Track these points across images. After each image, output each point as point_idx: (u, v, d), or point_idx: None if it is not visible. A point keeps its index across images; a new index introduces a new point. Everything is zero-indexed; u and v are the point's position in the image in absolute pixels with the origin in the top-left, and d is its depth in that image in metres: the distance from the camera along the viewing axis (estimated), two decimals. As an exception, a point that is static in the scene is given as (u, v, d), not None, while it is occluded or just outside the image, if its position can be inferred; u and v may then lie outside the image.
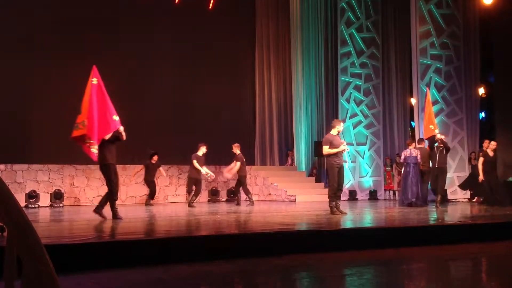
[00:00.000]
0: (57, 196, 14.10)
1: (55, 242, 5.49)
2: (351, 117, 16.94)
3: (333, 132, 9.89)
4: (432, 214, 10.01)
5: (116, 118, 9.03)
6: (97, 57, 15.39)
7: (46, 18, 15.00)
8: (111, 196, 9.10)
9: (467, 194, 15.45)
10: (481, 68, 16.82)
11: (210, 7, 17.27)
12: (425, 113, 13.60)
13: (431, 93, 15.44)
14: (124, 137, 9.16)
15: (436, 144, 12.52)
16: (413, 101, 17.29)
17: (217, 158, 15.42)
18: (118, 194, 9.69)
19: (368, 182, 17.19)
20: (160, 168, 14.41)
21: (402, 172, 13.24)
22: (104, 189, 10.07)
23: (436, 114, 15.59)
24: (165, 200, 15.80)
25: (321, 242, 6.42)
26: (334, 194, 9.67)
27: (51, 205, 13.92)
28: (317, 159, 18.03)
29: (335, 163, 9.64)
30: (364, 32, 17.30)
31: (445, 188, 14.09)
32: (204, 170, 13.19)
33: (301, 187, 16.36)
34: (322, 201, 14.02)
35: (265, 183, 16.51)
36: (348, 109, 16.96)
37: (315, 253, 6.01)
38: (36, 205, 13.66)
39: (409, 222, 8.36)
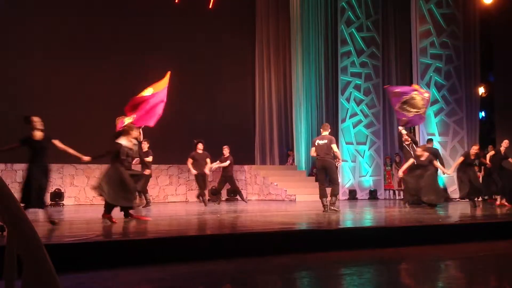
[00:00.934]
0: (57, 195, 14.10)
1: (55, 242, 5.49)
2: (351, 116, 16.95)
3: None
4: (431, 214, 10.01)
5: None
6: (96, 57, 15.46)
7: (46, 18, 15.00)
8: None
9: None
10: (481, 68, 16.81)
11: (210, 7, 17.27)
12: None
13: (430, 93, 15.46)
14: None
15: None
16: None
17: (218, 158, 15.39)
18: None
19: (368, 181, 17.19)
20: (208, 160, 13.06)
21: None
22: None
23: (436, 114, 15.60)
24: (165, 200, 15.81)
25: (321, 241, 6.43)
26: None
27: (51, 205, 13.93)
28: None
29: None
30: (364, 31, 17.30)
31: (445, 187, 14.15)
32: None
33: (301, 186, 16.36)
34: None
35: (265, 183, 16.51)
36: (348, 108, 16.96)
37: (315, 252, 6.01)
38: (36, 205, 13.67)
39: (409, 221, 8.36)
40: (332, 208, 9.84)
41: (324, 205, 9.90)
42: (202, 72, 17.09)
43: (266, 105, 18.52)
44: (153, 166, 14.71)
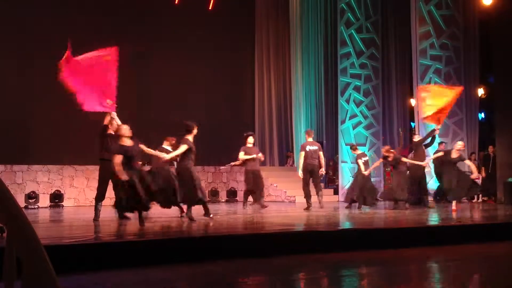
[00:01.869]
0: (56, 197, 14.11)
1: (55, 243, 5.49)
2: (350, 117, 16.94)
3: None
4: (431, 215, 10.02)
5: (109, 102, 8.72)
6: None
7: (46, 18, 15.00)
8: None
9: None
10: (480, 69, 16.83)
11: (210, 8, 17.28)
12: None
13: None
14: (115, 125, 8.82)
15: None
16: (413, 102, 17.29)
17: (216, 159, 15.42)
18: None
19: (368, 182, 17.16)
20: (260, 154, 11.68)
21: None
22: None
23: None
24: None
25: (320, 242, 6.43)
26: None
27: (50, 206, 13.93)
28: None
29: None
30: (363, 32, 17.30)
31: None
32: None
33: (301, 187, 16.27)
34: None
35: (265, 184, 16.47)
36: (347, 109, 16.96)
37: (314, 253, 6.02)
38: (36, 206, 13.67)
39: (407, 223, 8.37)
40: (322, 207, 10.80)
41: (308, 203, 11.16)
42: (201, 73, 17.08)
43: (265, 106, 18.53)
44: (153, 167, 14.75)
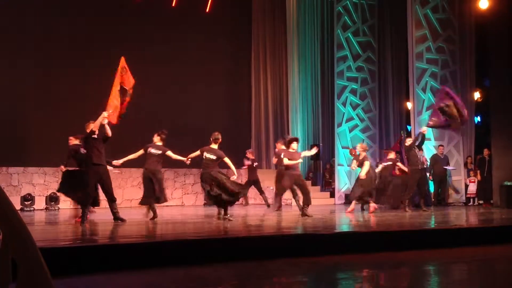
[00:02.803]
0: (52, 199, 14.07)
1: (50, 245, 5.48)
2: (347, 120, 16.97)
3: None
4: (428, 219, 10.03)
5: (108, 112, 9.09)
6: (94, 59, 15.44)
7: (43, 20, 14.99)
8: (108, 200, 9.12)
9: (463, 197, 15.48)
10: (476, 72, 16.85)
11: (207, 10, 17.29)
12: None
13: (426, 98, 15.50)
14: (109, 132, 9.06)
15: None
16: (409, 105, 17.31)
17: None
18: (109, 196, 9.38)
19: (364, 185, 17.16)
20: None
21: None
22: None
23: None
24: (161, 203, 15.72)
25: (316, 245, 6.43)
26: None
27: (46, 208, 13.89)
28: (313, 162, 18.07)
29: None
30: (360, 36, 17.33)
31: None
32: None
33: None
34: (318, 204, 14.06)
35: (261, 186, 16.46)
36: (344, 112, 16.98)
37: (310, 256, 6.01)
38: (32, 208, 13.64)
39: (404, 226, 8.38)
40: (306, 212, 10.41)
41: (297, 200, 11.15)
42: (198, 75, 17.09)
43: (262, 109, 18.54)
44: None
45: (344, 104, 17.00)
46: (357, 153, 12.28)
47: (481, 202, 15.21)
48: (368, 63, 17.37)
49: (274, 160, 12.17)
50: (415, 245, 6.82)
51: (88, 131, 9.04)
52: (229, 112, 17.81)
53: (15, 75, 14.59)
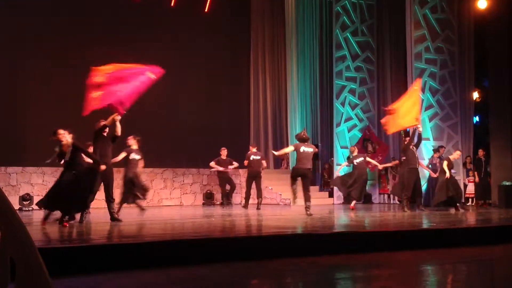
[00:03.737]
0: (51, 199, 14.05)
1: (49, 245, 5.46)
2: (346, 120, 16.97)
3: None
4: (426, 218, 10.03)
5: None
6: (93, 59, 15.40)
7: (42, 20, 14.97)
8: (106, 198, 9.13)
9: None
10: (475, 72, 16.86)
11: (206, 10, 17.28)
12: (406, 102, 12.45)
13: (425, 98, 15.49)
14: (119, 131, 9.05)
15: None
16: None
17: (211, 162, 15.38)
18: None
19: (363, 185, 17.16)
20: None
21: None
22: (101, 193, 9.91)
23: (431, 118, 15.62)
24: (159, 203, 15.76)
25: (315, 245, 6.42)
26: None
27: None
28: (312, 162, 18.05)
29: None
30: (359, 36, 17.34)
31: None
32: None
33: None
34: (317, 204, 14.05)
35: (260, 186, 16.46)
36: (343, 112, 16.98)
37: (309, 256, 6.01)
38: (30, 208, 13.61)
39: (403, 226, 8.37)
40: (309, 212, 10.51)
41: (294, 198, 11.44)
42: (197, 76, 17.07)
43: (261, 109, 18.52)
44: (148, 170, 14.71)
45: (343, 104, 17.00)
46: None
47: (480, 202, 15.22)
48: (367, 63, 17.37)
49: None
50: (414, 245, 6.82)
51: (107, 122, 8.99)
52: (228, 113, 17.78)
53: (14, 75, 14.56)
